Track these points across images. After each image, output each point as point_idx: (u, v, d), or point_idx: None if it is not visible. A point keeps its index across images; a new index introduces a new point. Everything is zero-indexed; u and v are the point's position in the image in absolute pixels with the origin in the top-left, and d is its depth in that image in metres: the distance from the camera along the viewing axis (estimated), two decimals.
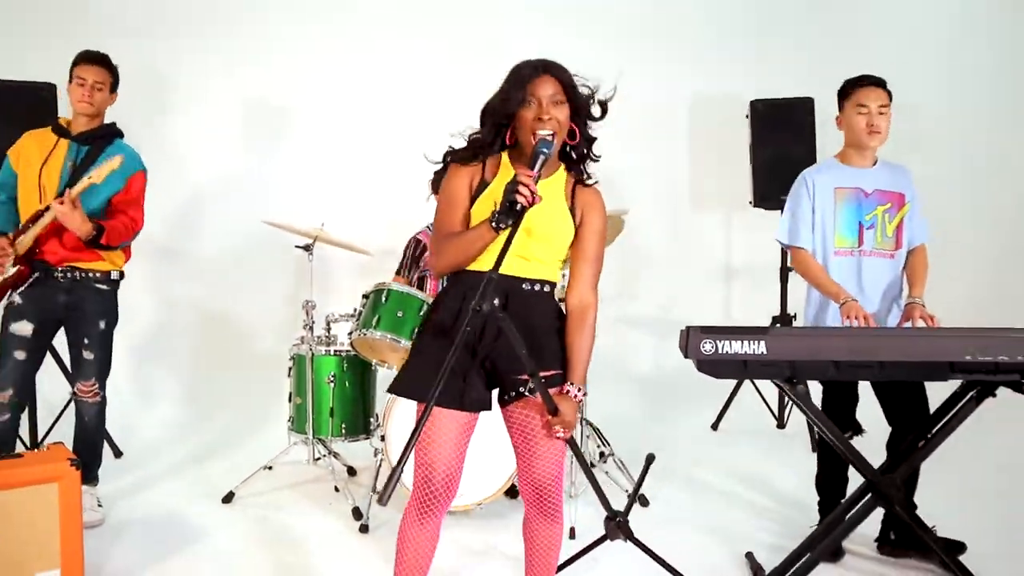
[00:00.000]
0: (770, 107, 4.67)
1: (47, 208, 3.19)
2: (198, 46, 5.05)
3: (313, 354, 3.83)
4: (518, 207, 1.97)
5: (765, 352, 2.43)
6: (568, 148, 2.23)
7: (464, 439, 2.13)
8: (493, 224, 1.99)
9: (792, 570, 2.74)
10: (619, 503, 3.25)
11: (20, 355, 3.29)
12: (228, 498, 3.70)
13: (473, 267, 2.12)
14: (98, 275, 3.39)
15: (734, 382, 4.85)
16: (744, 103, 4.80)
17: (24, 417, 3.58)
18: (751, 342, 2.43)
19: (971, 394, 2.60)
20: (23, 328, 3.28)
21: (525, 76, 2.11)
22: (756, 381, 4.71)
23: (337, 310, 4.01)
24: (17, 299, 3.29)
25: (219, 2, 5.14)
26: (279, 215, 3.99)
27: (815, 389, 2.66)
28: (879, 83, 3.01)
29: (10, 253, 3.26)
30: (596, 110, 2.22)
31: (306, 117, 5.14)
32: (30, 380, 3.45)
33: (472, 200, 2.14)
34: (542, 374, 2.06)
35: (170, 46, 5.02)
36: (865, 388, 3.06)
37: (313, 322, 3.94)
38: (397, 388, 2.18)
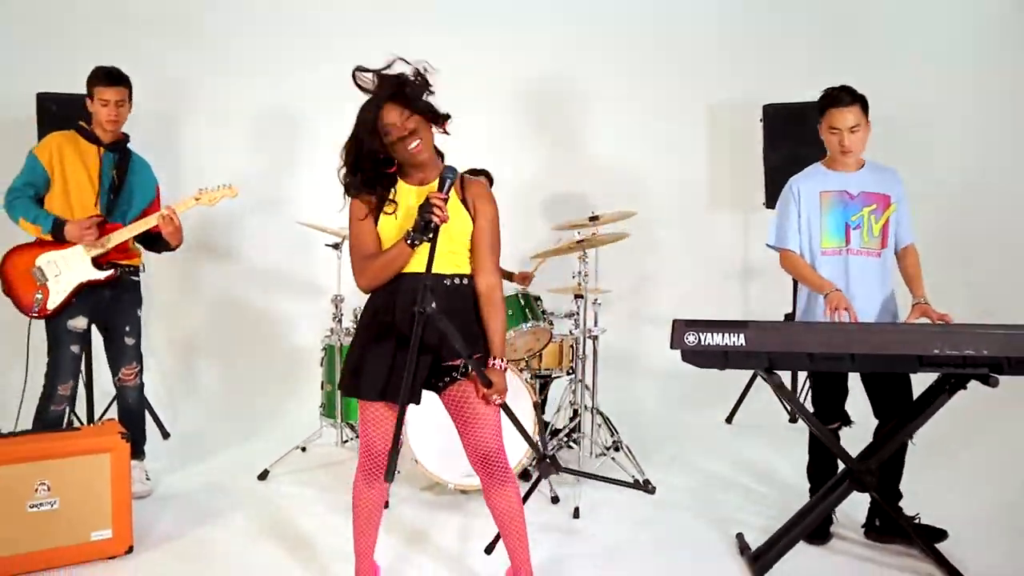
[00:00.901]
0: (782, 110, 4.82)
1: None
2: (219, 56, 5.32)
3: (342, 345, 4.12)
4: (433, 225, 2.28)
5: (744, 344, 2.63)
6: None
7: (393, 423, 2.37)
8: (409, 242, 2.32)
9: (775, 548, 2.94)
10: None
11: (75, 349, 3.56)
12: (263, 475, 4.00)
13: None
14: (132, 269, 3.68)
15: (748, 377, 5.05)
16: (759, 107, 4.98)
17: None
18: (731, 335, 2.64)
19: (944, 387, 2.76)
20: (79, 323, 3.54)
21: (371, 116, 2.34)
22: (784, 384, 4.87)
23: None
24: (71, 298, 3.52)
25: (238, 12, 5.44)
26: (310, 216, 4.27)
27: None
28: (851, 101, 3.06)
29: (98, 235, 3.47)
30: (432, 101, 2.42)
31: (336, 123, 5.41)
32: (80, 371, 3.72)
33: (376, 215, 2.42)
34: (474, 357, 2.39)
35: (204, 56, 5.30)
36: (855, 382, 3.23)
37: (342, 315, 4.24)
38: (352, 391, 2.47)
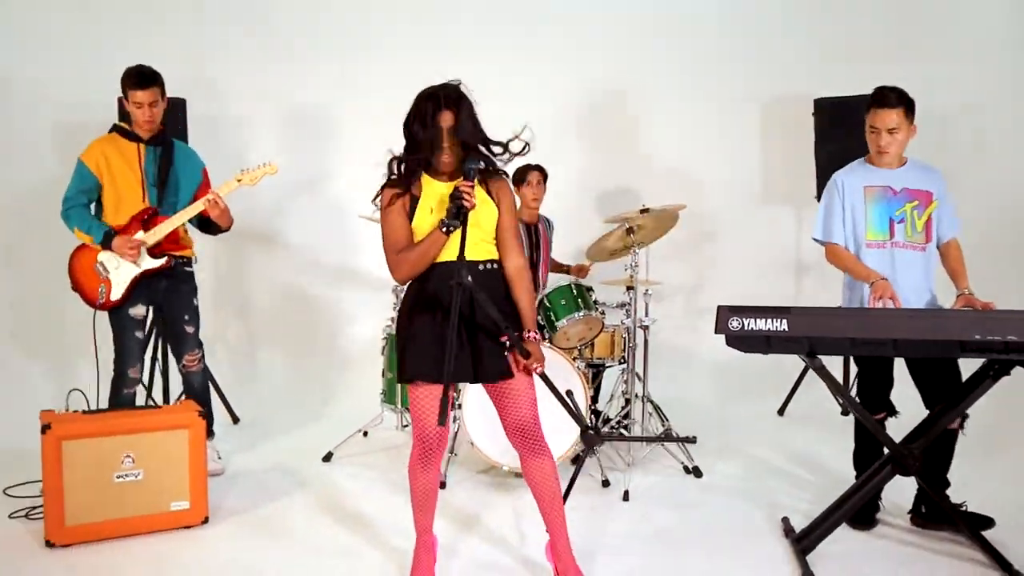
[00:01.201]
0: (834, 105, 4.85)
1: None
2: (266, 56, 5.57)
3: None
4: (464, 211, 2.47)
5: (787, 329, 2.71)
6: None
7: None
8: (444, 230, 2.49)
9: (818, 531, 3.01)
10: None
11: (139, 335, 3.79)
12: (327, 457, 4.22)
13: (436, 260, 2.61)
14: (185, 260, 3.87)
15: (801, 369, 5.08)
16: (811, 101, 5.01)
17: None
18: (774, 320, 2.72)
19: (988, 373, 2.80)
20: (139, 311, 3.76)
21: (430, 111, 2.54)
22: (825, 367, 4.90)
23: None
24: (131, 288, 3.72)
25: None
26: (371, 210, 4.45)
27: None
28: (895, 103, 3.10)
29: (139, 247, 3.66)
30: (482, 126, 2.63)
31: (399, 120, 5.60)
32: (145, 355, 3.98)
33: (411, 215, 2.60)
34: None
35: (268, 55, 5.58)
36: (901, 373, 3.27)
37: None
38: (404, 377, 2.63)
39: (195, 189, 3.86)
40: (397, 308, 4.43)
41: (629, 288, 4.28)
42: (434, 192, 2.62)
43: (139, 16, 5.37)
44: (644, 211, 4.21)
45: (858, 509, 3.12)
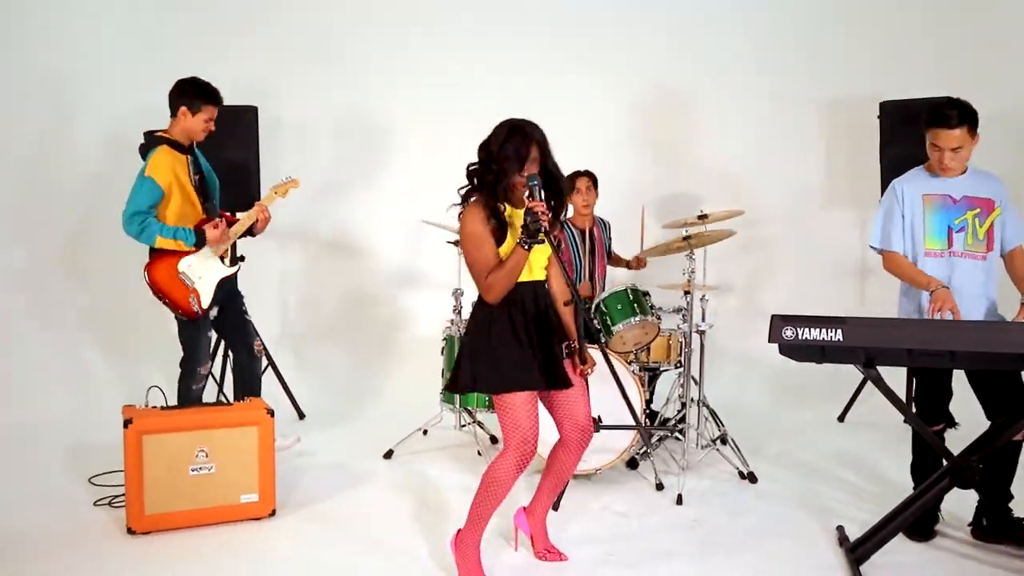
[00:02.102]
0: (899, 107, 4.76)
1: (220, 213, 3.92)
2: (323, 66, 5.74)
3: (461, 335, 4.40)
4: (543, 228, 2.65)
5: (842, 339, 2.72)
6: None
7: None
8: (526, 247, 2.67)
9: (873, 540, 3.00)
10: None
11: (211, 333, 3.99)
12: (388, 454, 4.35)
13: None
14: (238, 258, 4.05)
15: (860, 377, 5.01)
16: (876, 103, 4.94)
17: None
18: (829, 330, 2.73)
19: None
20: (212, 312, 3.92)
21: (520, 143, 2.72)
22: (884, 377, 4.84)
23: None
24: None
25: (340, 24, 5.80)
26: (433, 215, 4.56)
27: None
28: (956, 123, 3.03)
29: (228, 233, 3.82)
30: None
31: (461, 126, 5.69)
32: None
33: (496, 237, 2.75)
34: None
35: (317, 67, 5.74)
36: (960, 384, 3.22)
37: (461, 307, 4.53)
38: (504, 385, 2.77)
39: (220, 191, 4.06)
40: (456, 310, 4.54)
41: (686, 292, 4.30)
42: (516, 216, 2.81)
43: (191, 21, 5.56)
44: (702, 217, 4.23)
45: (916, 520, 3.10)
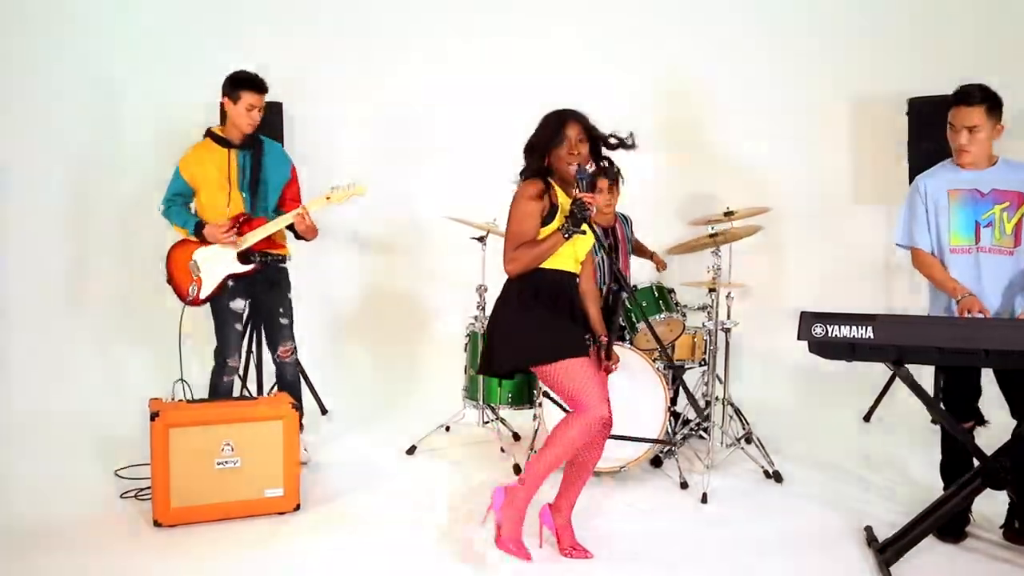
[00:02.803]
0: (928, 104, 4.70)
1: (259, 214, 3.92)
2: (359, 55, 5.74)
3: (484, 332, 4.39)
4: (587, 219, 2.74)
5: (872, 337, 2.68)
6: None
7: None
8: (566, 235, 2.74)
9: (902, 541, 2.96)
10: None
11: (238, 327, 4.00)
12: (411, 450, 4.35)
13: (549, 266, 2.91)
14: (279, 258, 4.04)
15: (889, 374, 4.96)
16: (904, 100, 4.88)
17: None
18: (859, 327, 2.70)
19: None
20: (238, 305, 3.96)
21: (555, 121, 2.88)
22: (912, 376, 4.79)
23: None
24: (231, 281, 3.91)
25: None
26: (457, 211, 4.57)
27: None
28: (977, 101, 3.01)
29: (231, 231, 3.83)
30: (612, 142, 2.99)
31: (481, 122, 5.70)
32: (242, 346, 4.15)
33: (543, 218, 2.84)
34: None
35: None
36: (988, 382, 3.18)
37: (485, 304, 4.52)
38: (560, 353, 2.83)
39: (282, 185, 4.02)
40: (480, 306, 4.54)
41: (711, 290, 4.27)
42: (563, 201, 2.90)
43: (231, 19, 5.61)
44: (728, 214, 4.20)
45: (947, 520, 3.05)
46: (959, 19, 5.37)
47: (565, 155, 2.86)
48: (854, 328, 2.70)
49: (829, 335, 2.71)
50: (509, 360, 2.92)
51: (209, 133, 3.93)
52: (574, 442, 2.84)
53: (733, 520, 3.47)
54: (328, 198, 3.84)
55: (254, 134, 3.93)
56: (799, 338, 2.75)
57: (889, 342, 2.67)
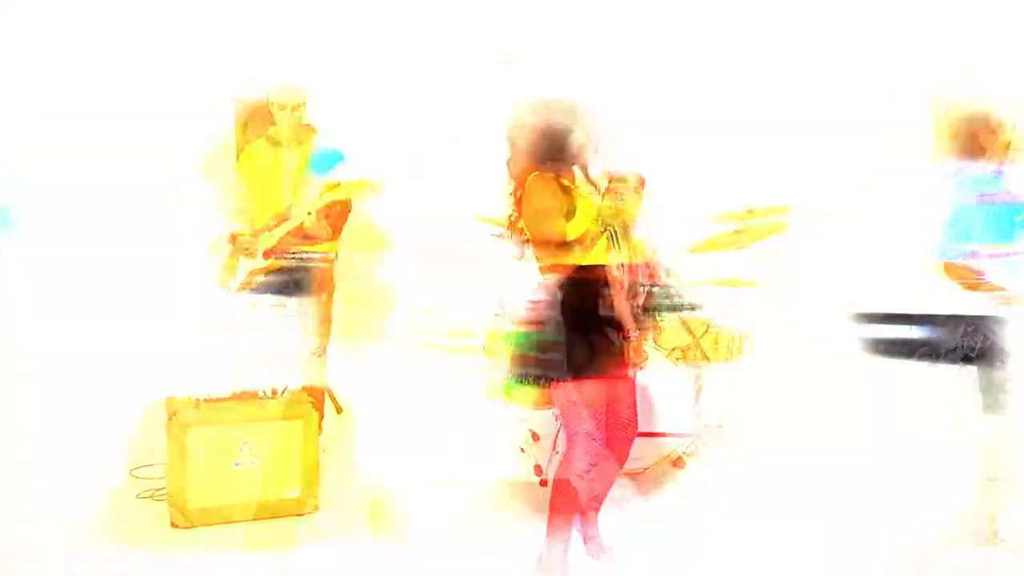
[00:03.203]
0: (959, 103, 4.61)
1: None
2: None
3: (506, 332, 4.33)
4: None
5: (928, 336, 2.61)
6: None
7: None
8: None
9: None
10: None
11: (266, 322, 3.94)
12: (428, 451, 4.28)
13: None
14: (314, 256, 4.01)
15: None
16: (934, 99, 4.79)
17: None
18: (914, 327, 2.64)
19: None
20: (267, 299, 3.92)
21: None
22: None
23: None
24: (261, 276, 3.92)
25: None
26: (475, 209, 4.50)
27: None
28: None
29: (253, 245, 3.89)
30: None
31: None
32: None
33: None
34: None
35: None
36: None
37: (504, 304, 4.44)
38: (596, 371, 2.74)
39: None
40: (500, 305, 4.46)
41: (735, 288, 4.20)
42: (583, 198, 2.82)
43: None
44: (751, 212, 4.14)
45: None
46: (997, 15, 5.27)
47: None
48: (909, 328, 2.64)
49: (883, 336, 2.66)
50: (563, 371, 2.78)
51: (265, 135, 3.97)
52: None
53: (759, 523, 3.38)
54: (331, 190, 3.84)
55: (299, 135, 3.96)
56: (853, 338, 2.70)
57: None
